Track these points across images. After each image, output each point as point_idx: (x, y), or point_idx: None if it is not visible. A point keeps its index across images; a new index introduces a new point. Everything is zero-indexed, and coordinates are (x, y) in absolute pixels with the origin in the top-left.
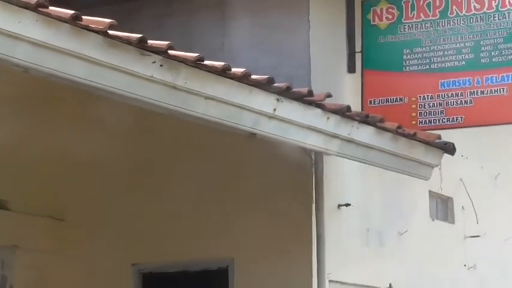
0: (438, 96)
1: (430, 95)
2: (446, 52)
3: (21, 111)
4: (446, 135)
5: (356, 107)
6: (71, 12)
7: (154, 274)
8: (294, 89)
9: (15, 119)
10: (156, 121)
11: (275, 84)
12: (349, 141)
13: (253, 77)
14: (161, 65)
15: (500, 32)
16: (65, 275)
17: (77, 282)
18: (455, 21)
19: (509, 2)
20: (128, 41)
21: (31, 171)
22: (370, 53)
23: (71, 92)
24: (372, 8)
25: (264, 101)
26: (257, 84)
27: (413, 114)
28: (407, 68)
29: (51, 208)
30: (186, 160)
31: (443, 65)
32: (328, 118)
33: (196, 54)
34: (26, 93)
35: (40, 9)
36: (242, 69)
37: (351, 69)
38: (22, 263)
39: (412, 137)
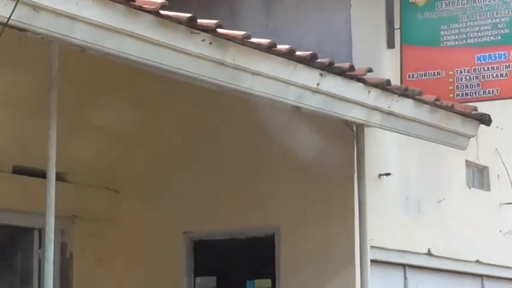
0: (474, 69)
1: (466, 68)
2: (482, 27)
3: (78, 88)
4: (482, 107)
5: (395, 81)
6: None
7: (204, 241)
8: (336, 65)
9: (75, 96)
10: (206, 96)
11: (318, 60)
12: (389, 113)
13: (297, 53)
14: (210, 43)
15: None
16: (120, 243)
17: (132, 249)
18: None
19: None
20: (178, 21)
21: (89, 145)
22: (408, 29)
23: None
24: None
25: (307, 76)
26: (301, 60)
27: (451, 87)
28: (444, 43)
29: (107, 180)
30: (235, 133)
31: (479, 40)
32: (369, 92)
33: (243, 32)
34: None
35: None
36: (287, 46)
37: (391, 45)
38: (81, 232)
39: (450, 109)
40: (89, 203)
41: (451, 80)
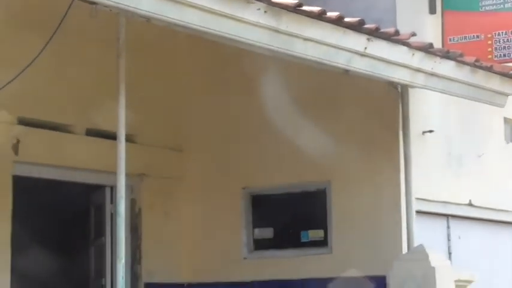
0: None
1: (504, 31)
2: None
3: (144, 56)
4: None
5: (437, 45)
6: None
7: (261, 196)
8: (382, 30)
9: (141, 63)
10: (262, 60)
11: (365, 26)
12: (432, 74)
13: (346, 19)
14: (265, 12)
15: None
16: (185, 198)
17: (196, 204)
18: None
19: None
20: None
21: (155, 109)
22: None
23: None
24: None
25: (356, 41)
26: (349, 26)
27: (489, 49)
28: (483, 8)
29: (172, 141)
30: (289, 95)
31: None
32: (413, 54)
33: (296, 1)
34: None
35: None
36: (336, 13)
37: (432, 10)
38: (149, 188)
39: (489, 69)
40: (155, 162)
41: (489, 42)
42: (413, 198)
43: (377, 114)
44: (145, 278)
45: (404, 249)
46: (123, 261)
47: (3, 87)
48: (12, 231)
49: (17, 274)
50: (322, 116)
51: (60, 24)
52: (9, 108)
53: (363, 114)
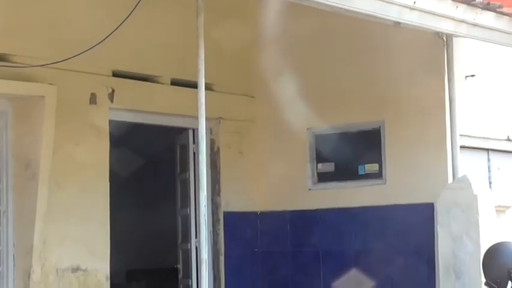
0: None
1: None
2: None
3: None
4: None
5: None
6: None
7: (323, 135)
8: None
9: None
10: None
11: None
12: (474, 25)
13: None
14: None
15: None
16: (257, 138)
17: (267, 143)
18: None
19: None
20: None
21: (230, 60)
22: None
23: None
24: None
25: None
26: None
27: None
28: None
29: (245, 88)
30: (347, 45)
31: None
32: (456, 7)
33: None
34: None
35: None
36: None
37: None
38: (225, 130)
39: None
40: (231, 107)
41: None
42: (457, 135)
43: (425, 61)
44: (224, 208)
45: (450, 180)
46: (205, 192)
47: (99, 43)
48: (110, 168)
49: (115, 204)
50: (376, 64)
51: None
52: (105, 62)
53: (413, 61)
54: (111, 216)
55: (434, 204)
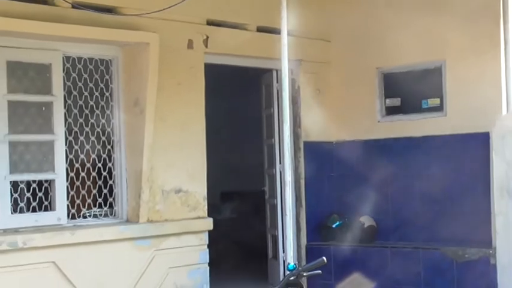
0: None
1: None
2: None
3: None
4: None
5: None
6: None
7: (391, 73)
8: None
9: None
10: None
11: None
12: None
13: None
14: None
15: None
16: (332, 77)
17: (341, 82)
18: None
19: None
20: None
21: (308, 8)
22: None
23: None
24: None
25: None
26: None
27: None
28: None
29: (322, 33)
30: None
31: None
32: None
33: None
34: None
35: None
36: None
37: None
38: (304, 70)
39: None
40: (309, 50)
41: None
42: (511, 72)
43: (482, 7)
44: (303, 138)
45: (504, 111)
46: (287, 125)
47: None
48: (205, 105)
49: (210, 135)
50: (440, 9)
51: None
52: (200, 12)
53: (472, 7)
54: (207, 145)
55: (490, 133)
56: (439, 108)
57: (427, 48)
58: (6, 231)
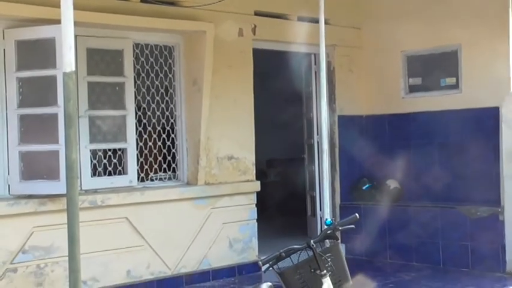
0: None
1: None
2: None
3: None
4: None
5: None
6: None
7: (414, 56)
8: None
9: None
10: None
11: None
12: None
13: None
14: None
15: None
16: (363, 60)
17: (370, 64)
18: None
19: None
20: None
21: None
22: None
23: None
24: None
25: None
26: None
27: None
28: None
29: (354, 22)
30: None
31: None
32: None
33: None
34: None
35: None
36: None
37: None
38: (339, 54)
39: None
40: (343, 36)
41: None
42: None
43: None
44: (338, 112)
45: None
46: (324, 100)
47: None
48: (253, 85)
49: (258, 110)
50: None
51: None
52: (249, 5)
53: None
54: (255, 119)
55: (500, 108)
56: (455, 86)
57: (445, 34)
58: (87, 192)
